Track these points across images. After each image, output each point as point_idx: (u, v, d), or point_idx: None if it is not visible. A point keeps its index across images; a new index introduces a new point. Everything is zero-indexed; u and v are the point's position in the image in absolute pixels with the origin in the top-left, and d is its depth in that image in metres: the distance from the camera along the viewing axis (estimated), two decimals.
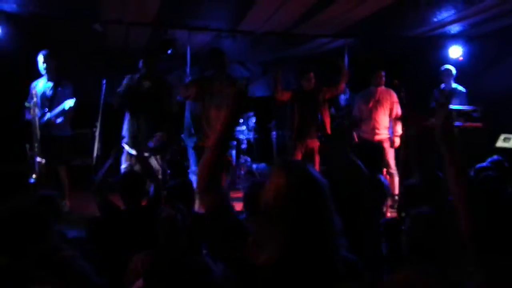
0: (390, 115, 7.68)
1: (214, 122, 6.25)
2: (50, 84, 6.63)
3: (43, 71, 6.62)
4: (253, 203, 3.68)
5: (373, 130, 7.67)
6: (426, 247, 2.63)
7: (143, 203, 4.44)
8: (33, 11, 6.35)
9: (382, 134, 7.68)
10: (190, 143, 6.57)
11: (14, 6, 6.19)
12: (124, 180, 4.31)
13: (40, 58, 6.61)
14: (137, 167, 5.89)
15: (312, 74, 7.66)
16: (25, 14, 6.47)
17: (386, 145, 7.61)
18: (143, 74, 6.24)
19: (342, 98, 9.18)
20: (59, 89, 6.61)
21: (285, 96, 7.54)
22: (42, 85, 6.65)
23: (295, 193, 1.85)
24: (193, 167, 6.43)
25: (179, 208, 3.39)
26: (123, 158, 6.12)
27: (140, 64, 6.30)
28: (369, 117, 7.71)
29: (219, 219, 2.03)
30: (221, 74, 6.41)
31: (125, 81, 6.23)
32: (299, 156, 7.69)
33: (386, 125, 7.69)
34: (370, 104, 7.70)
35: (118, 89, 6.18)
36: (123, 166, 5.98)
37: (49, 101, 6.53)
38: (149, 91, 6.18)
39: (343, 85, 7.73)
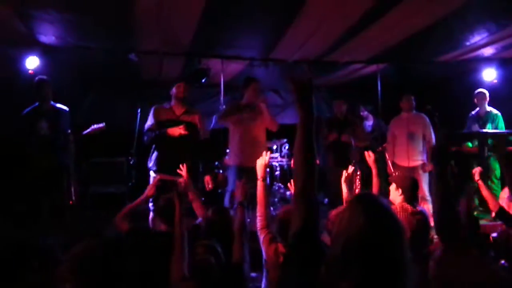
0: (423, 140, 7.58)
1: (252, 143, 6.51)
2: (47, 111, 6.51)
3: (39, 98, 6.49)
4: (284, 228, 3.73)
5: (408, 156, 7.56)
6: None
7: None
8: (70, 42, 6.52)
9: (417, 160, 7.57)
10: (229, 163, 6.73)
11: (53, 38, 6.37)
12: (164, 203, 4.26)
13: (39, 85, 6.46)
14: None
15: (343, 102, 7.77)
16: (62, 45, 6.65)
17: (421, 171, 7.52)
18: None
19: (367, 124, 9.16)
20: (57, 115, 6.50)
21: (332, 137, 7.77)
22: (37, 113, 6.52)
23: (374, 235, 1.79)
24: (230, 187, 6.61)
25: (214, 249, 3.33)
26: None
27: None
28: (402, 143, 7.62)
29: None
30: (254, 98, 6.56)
31: (152, 114, 6.13)
32: (333, 183, 7.73)
33: (420, 150, 7.58)
34: (404, 130, 7.62)
35: (149, 127, 6.07)
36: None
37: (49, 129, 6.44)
38: (182, 120, 6.11)
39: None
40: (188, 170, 5.49)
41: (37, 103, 6.53)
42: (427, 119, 7.55)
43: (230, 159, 6.77)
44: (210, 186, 6.16)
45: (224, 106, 7.71)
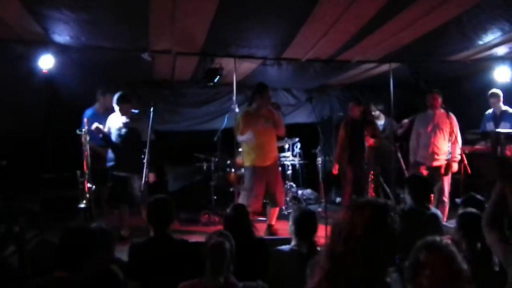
0: (449, 139, 7.41)
1: (264, 145, 7.01)
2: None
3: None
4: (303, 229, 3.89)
5: (432, 155, 7.41)
6: None
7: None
8: (84, 42, 6.56)
9: (441, 159, 7.41)
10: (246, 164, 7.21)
11: (68, 38, 6.41)
12: (151, 206, 4.31)
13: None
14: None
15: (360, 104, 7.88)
16: (77, 45, 6.69)
17: (444, 170, 7.39)
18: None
19: (378, 124, 9.15)
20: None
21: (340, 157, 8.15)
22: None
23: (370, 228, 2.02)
24: (247, 185, 7.06)
25: (227, 235, 3.44)
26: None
27: (120, 104, 6.87)
28: (427, 142, 7.46)
29: None
30: (266, 105, 7.11)
31: (108, 126, 7.02)
32: (347, 182, 7.78)
33: (446, 150, 7.41)
34: (429, 128, 7.47)
35: (105, 135, 6.95)
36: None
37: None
38: (129, 126, 6.94)
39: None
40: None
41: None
42: (454, 117, 7.43)
43: (246, 160, 7.15)
44: (152, 180, 6.99)
45: (236, 106, 7.80)
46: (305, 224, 3.92)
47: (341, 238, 2.06)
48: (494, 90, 7.72)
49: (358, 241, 2.00)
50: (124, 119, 6.86)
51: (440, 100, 7.51)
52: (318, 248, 3.81)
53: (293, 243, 3.92)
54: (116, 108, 6.83)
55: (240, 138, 7.09)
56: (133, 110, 6.98)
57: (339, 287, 1.99)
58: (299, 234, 3.89)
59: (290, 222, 3.99)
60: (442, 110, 7.51)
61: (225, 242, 3.32)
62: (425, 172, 7.25)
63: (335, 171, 8.21)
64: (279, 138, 7.83)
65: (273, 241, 5.02)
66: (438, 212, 5.04)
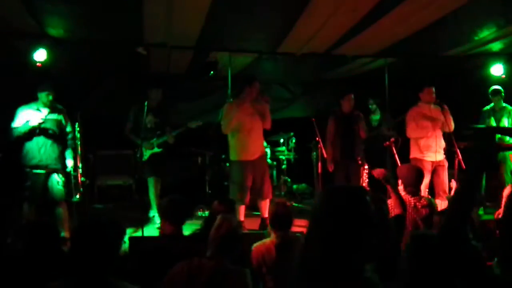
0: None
1: (250, 138, 6.88)
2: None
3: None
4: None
5: (435, 149, 7.31)
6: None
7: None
8: (78, 35, 6.53)
9: (442, 153, 7.36)
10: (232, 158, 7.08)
11: (62, 31, 6.39)
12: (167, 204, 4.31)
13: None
14: None
15: (352, 96, 7.77)
16: (71, 38, 6.66)
17: (446, 165, 7.36)
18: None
19: (374, 119, 9.14)
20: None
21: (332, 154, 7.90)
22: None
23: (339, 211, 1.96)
24: (235, 180, 6.95)
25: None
26: None
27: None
28: (429, 136, 7.35)
29: None
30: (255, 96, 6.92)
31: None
32: (341, 177, 7.75)
33: (444, 145, 7.39)
34: (429, 123, 7.37)
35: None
36: None
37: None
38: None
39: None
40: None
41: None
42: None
43: (232, 154, 7.03)
44: None
45: (231, 100, 7.76)
46: (278, 217, 4.19)
47: (311, 222, 2.05)
48: (496, 87, 7.71)
49: (323, 224, 1.97)
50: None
51: (434, 94, 7.44)
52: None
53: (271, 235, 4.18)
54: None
55: (224, 129, 6.94)
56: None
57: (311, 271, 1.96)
58: (274, 227, 4.18)
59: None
60: (433, 105, 7.46)
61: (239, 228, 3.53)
62: (429, 168, 7.23)
63: (330, 168, 8.11)
64: (270, 133, 7.78)
65: None
66: (432, 200, 5.10)
